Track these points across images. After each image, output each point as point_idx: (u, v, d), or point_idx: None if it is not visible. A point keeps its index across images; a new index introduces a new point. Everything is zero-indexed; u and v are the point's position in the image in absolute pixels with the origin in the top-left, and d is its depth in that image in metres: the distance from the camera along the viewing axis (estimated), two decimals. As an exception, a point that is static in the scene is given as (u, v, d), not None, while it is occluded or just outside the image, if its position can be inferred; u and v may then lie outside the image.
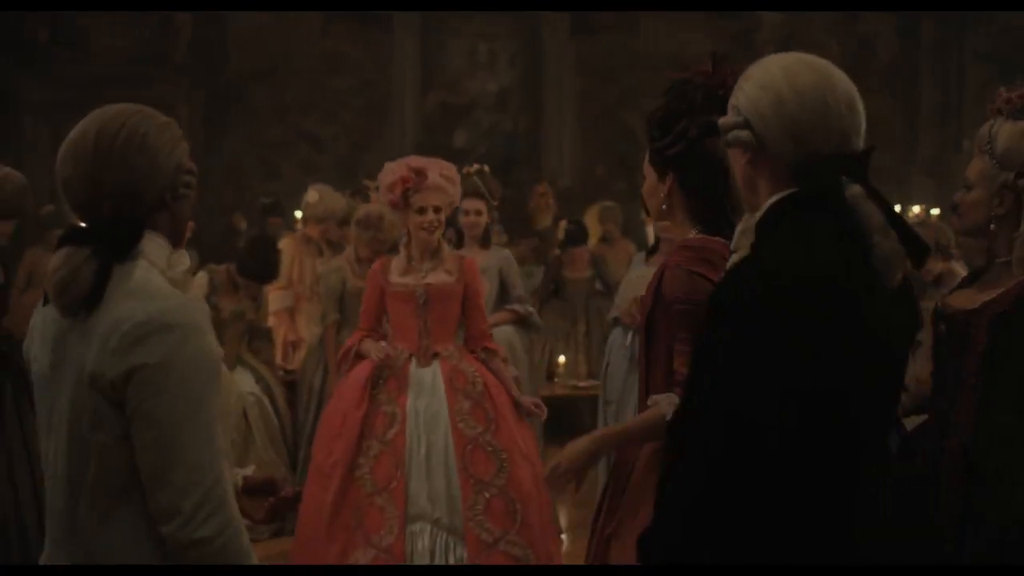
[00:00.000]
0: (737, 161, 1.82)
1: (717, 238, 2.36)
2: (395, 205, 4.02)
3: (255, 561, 1.87)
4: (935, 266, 5.52)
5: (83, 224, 1.88)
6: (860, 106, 1.76)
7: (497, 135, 11.14)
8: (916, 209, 9.68)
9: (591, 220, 8.17)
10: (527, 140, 11.07)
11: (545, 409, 4.19)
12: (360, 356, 4.07)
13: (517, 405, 4.04)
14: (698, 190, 2.40)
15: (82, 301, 1.79)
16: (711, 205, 2.39)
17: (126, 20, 10.91)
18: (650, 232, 6.16)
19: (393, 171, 3.98)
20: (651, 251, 4.92)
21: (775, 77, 1.75)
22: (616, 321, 5.19)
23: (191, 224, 2.12)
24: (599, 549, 2.48)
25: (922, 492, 2.45)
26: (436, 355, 4.02)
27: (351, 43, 11.13)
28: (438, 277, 4.06)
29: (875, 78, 11.41)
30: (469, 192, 4.93)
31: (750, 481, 1.63)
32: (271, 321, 5.96)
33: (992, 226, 2.46)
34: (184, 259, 1.90)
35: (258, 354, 5.58)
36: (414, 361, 4.02)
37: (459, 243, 5.14)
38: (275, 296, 5.98)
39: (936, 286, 5.23)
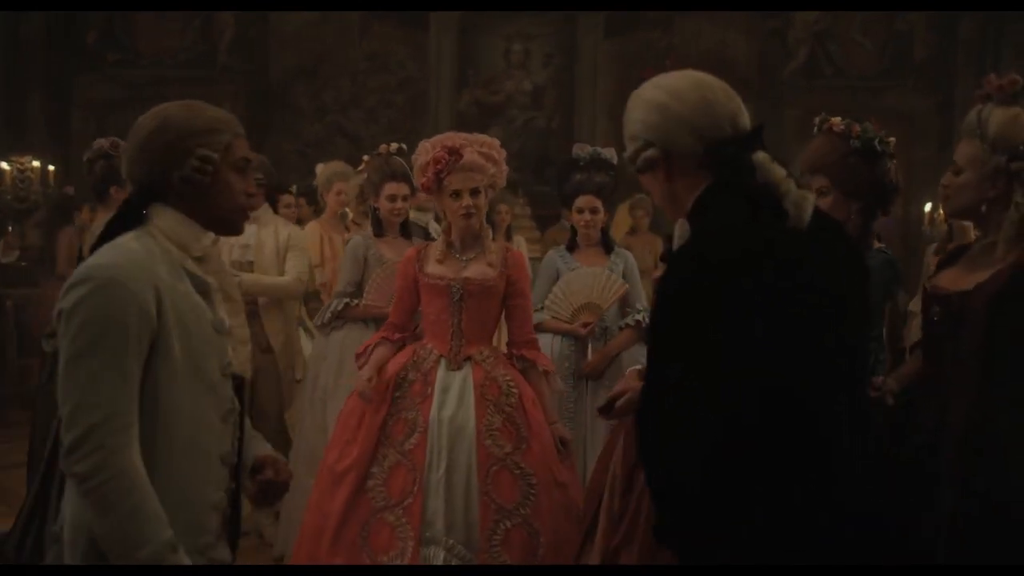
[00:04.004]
0: (655, 184, 1.95)
1: None
2: (427, 189, 3.63)
3: (133, 508, 1.91)
4: None
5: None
6: (734, 93, 1.92)
7: (531, 132, 11.26)
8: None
9: (622, 213, 8.29)
10: (561, 137, 11.17)
11: (572, 452, 3.72)
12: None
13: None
14: None
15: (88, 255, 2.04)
16: None
17: (172, 21, 11.24)
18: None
19: (426, 151, 3.62)
20: (570, 246, 4.55)
21: (652, 95, 1.92)
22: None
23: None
24: (606, 559, 2.70)
25: (921, 472, 2.51)
26: (469, 358, 3.62)
27: (390, 43, 11.34)
28: (478, 270, 3.65)
29: (910, 75, 11.41)
30: (394, 174, 4.40)
31: (743, 461, 1.74)
32: None
33: (983, 207, 2.55)
34: (207, 237, 2.10)
35: (313, 317, 5.50)
36: (443, 364, 3.62)
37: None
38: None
39: None
